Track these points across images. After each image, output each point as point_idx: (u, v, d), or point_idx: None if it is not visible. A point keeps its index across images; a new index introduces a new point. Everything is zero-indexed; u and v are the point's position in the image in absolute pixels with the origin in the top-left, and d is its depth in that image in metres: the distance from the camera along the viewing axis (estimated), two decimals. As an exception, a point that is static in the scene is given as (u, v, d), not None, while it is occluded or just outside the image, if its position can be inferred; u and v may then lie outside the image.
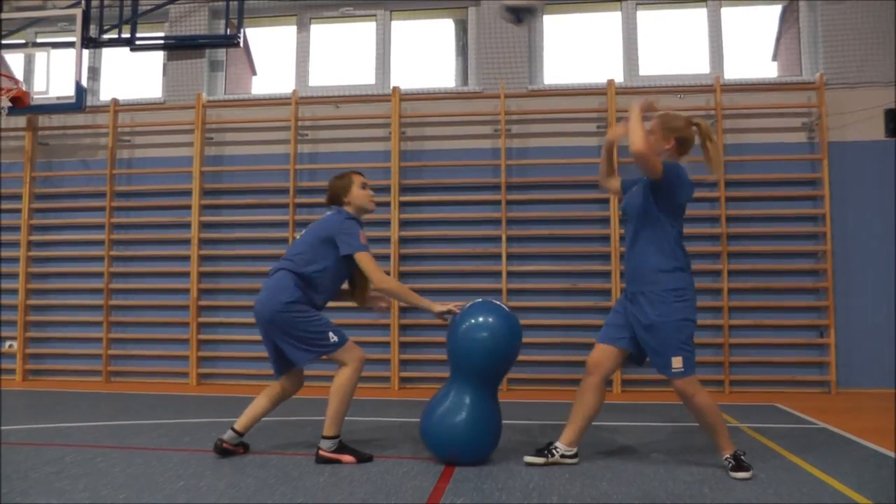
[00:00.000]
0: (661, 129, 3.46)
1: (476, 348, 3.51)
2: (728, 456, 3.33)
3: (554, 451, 3.50)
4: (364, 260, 3.60)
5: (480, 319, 3.56)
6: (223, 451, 3.68)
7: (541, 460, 3.49)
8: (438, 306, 3.61)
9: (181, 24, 7.48)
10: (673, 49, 7.08)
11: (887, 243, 6.36)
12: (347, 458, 3.54)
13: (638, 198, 3.50)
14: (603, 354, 3.53)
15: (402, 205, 6.86)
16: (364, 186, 3.82)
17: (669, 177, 3.32)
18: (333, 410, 3.55)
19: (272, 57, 7.88)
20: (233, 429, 3.71)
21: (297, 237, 3.79)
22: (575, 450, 3.54)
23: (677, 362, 3.30)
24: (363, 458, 3.57)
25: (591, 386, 3.51)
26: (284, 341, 3.55)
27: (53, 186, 7.51)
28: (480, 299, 3.72)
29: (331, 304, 3.77)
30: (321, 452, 3.54)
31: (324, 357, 3.58)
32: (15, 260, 7.28)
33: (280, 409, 5.17)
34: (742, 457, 3.32)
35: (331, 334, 3.56)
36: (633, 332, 3.46)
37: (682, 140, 3.46)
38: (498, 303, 3.74)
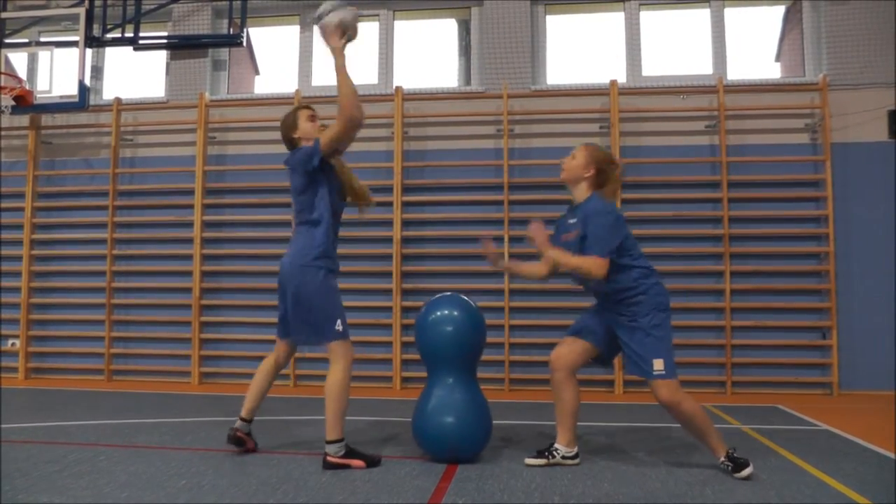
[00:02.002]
0: (586, 157, 3.56)
1: (442, 340, 3.61)
2: (723, 459, 3.33)
3: (555, 452, 3.51)
4: (324, 137, 3.51)
5: (444, 313, 3.68)
6: (237, 441, 3.69)
7: (541, 462, 3.49)
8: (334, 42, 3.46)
9: (184, 24, 7.49)
10: (676, 49, 7.07)
11: (890, 245, 6.35)
12: (357, 462, 3.44)
13: (574, 245, 3.46)
14: (566, 348, 3.54)
15: (405, 205, 6.86)
16: (312, 119, 3.74)
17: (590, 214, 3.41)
18: (332, 412, 3.45)
19: (275, 56, 7.89)
20: (241, 417, 3.73)
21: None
22: (575, 450, 3.54)
23: (658, 364, 3.30)
24: (373, 462, 3.48)
25: (558, 382, 3.51)
26: (295, 306, 3.49)
27: (56, 185, 7.53)
28: (448, 293, 3.82)
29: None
30: (328, 459, 3.42)
31: (322, 342, 3.50)
32: (18, 258, 7.29)
33: (282, 408, 5.18)
34: (734, 454, 3.32)
35: (339, 322, 3.50)
36: (606, 330, 3.47)
37: (600, 171, 3.53)
38: (459, 295, 3.81)
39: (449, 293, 3.86)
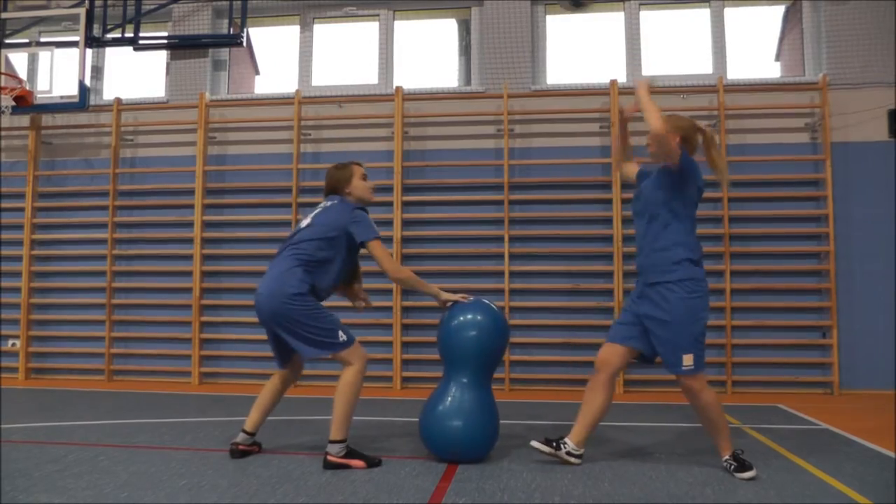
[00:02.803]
0: (669, 125, 3.45)
1: (466, 344, 3.60)
2: (727, 457, 3.34)
3: (563, 444, 3.50)
4: (377, 248, 3.61)
5: (469, 317, 3.66)
6: (240, 454, 3.66)
7: (547, 449, 3.49)
8: (445, 295, 3.68)
9: (184, 24, 7.49)
10: (676, 49, 7.07)
11: (890, 244, 6.35)
12: (357, 462, 3.44)
13: (651, 188, 3.49)
14: (610, 352, 3.53)
15: (405, 204, 6.87)
16: (364, 178, 3.80)
17: (684, 164, 3.34)
18: (340, 412, 3.45)
19: (275, 56, 7.89)
20: (244, 430, 3.70)
21: (301, 224, 3.69)
22: (582, 451, 3.53)
23: (688, 360, 3.29)
24: (373, 463, 3.48)
25: (598, 383, 3.51)
26: (289, 334, 3.46)
27: (56, 185, 7.53)
28: (472, 298, 3.79)
29: (330, 304, 3.74)
30: (329, 458, 3.42)
31: (329, 356, 3.50)
32: (18, 258, 7.29)
33: (282, 408, 5.18)
34: (741, 455, 3.32)
35: (340, 333, 3.49)
36: (643, 329, 3.44)
37: (685, 140, 3.44)
38: (486, 301, 3.79)
39: (473, 298, 3.79)
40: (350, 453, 3.47)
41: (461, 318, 3.66)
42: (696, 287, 3.34)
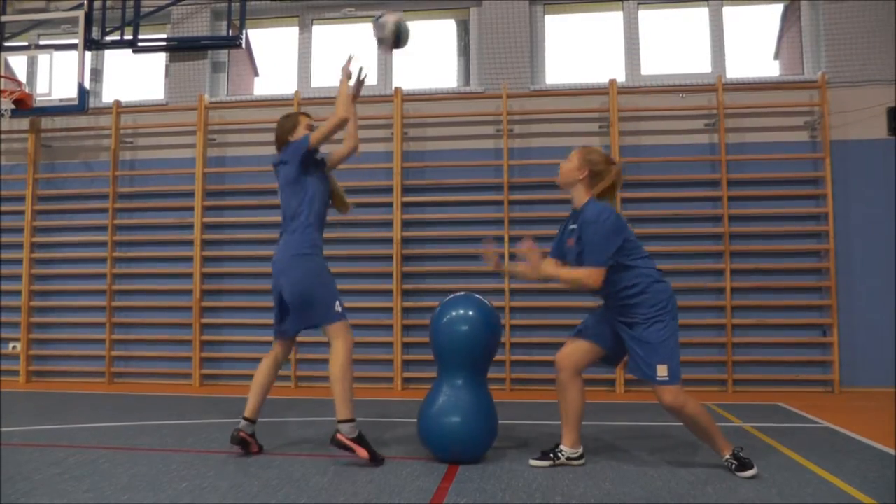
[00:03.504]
0: (579, 158, 3.52)
1: (456, 340, 3.61)
2: (728, 457, 3.33)
3: (559, 453, 3.50)
4: (314, 133, 3.70)
5: (460, 312, 3.67)
6: (241, 442, 3.70)
7: (546, 463, 3.49)
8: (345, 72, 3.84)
9: (183, 26, 7.49)
10: (675, 48, 7.07)
11: (890, 242, 6.35)
12: (362, 451, 3.49)
13: (575, 252, 3.42)
14: (571, 348, 3.53)
15: (405, 205, 6.86)
16: (310, 129, 3.85)
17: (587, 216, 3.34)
18: (339, 393, 3.53)
19: (274, 58, 7.89)
20: (244, 417, 3.74)
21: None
22: (580, 451, 3.53)
23: (662, 370, 3.27)
24: (376, 459, 3.51)
25: (563, 382, 3.50)
26: (293, 296, 3.58)
27: (56, 188, 7.53)
28: (462, 293, 3.81)
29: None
30: (339, 437, 3.50)
31: (322, 325, 3.61)
32: (18, 262, 7.30)
33: (283, 409, 5.18)
34: (740, 454, 3.32)
35: (338, 304, 3.61)
36: (612, 330, 3.45)
37: (594, 174, 3.47)
38: (476, 296, 3.80)
39: (463, 293, 3.83)
40: (360, 440, 3.52)
41: (451, 314, 3.67)
42: (657, 302, 3.30)
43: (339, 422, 3.54)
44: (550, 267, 3.47)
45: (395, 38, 3.71)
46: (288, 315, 3.73)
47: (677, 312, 3.39)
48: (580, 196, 3.50)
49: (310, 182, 3.72)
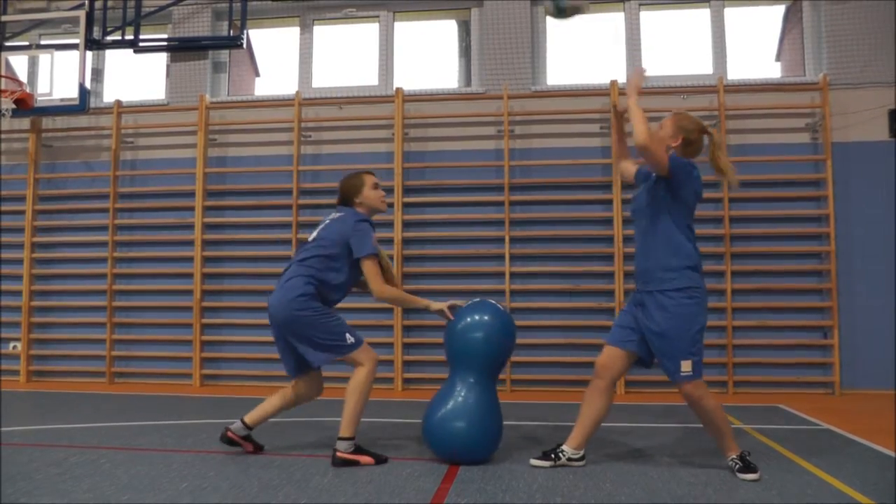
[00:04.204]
0: (673, 125, 3.44)
1: (472, 346, 3.59)
2: (734, 457, 3.33)
3: (560, 454, 3.49)
4: (368, 266, 3.61)
5: (476, 318, 3.66)
6: (228, 441, 3.69)
7: (547, 464, 3.48)
8: (435, 305, 3.68)
9: (184, 26, 7.50)
10: (676, 49, 7.07)
11: (891, 244, 6.35)
12: (365, 458, 3.52)
13: (645, 193, 3.48)
14: (611, 357, 3.50)
15: (406, 206, 6.87)
16: (376, 187, 3.81)
17: (675, 170, 3.29)
18: (350, 411, 3.53)
19: (275, 58, 7.90)
20: (242, 420, 3.71)
21: (309, 239, 3.73)
22: (582, 453, 3.52)
23: (686, 366, 3.28)
24: (380, 460, 3.54)
25: (598, 389, 3.49)
26: (300, 341, 3.55)
27: (57, 188, 7.53)
28: (478, 299, 3.78)
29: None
30: (339, 454, 3.50)
31: (338, 358, 3.58)
32: (19, 261, 7.30)
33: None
34: (747, 457, 3.32)
35: (348, 335, 3.57)
36: (642, 333, 3.42)
37: (688, 142, 3.43)
38: (492, 301, 3.79)
39: (479, 299, 3.81)
40: (358, 450, 3.54)
41: (468, 320, 3.65)
42: (694, 294, 3.31)
43: (340, 438, 3.52)
44: (636, 107, 3.30)
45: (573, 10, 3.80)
46: (300, 354, 3.65)
47: (706, 309, 3.39)
48: (662, 158, 3.27)
49: (345, 264, 3.65)
